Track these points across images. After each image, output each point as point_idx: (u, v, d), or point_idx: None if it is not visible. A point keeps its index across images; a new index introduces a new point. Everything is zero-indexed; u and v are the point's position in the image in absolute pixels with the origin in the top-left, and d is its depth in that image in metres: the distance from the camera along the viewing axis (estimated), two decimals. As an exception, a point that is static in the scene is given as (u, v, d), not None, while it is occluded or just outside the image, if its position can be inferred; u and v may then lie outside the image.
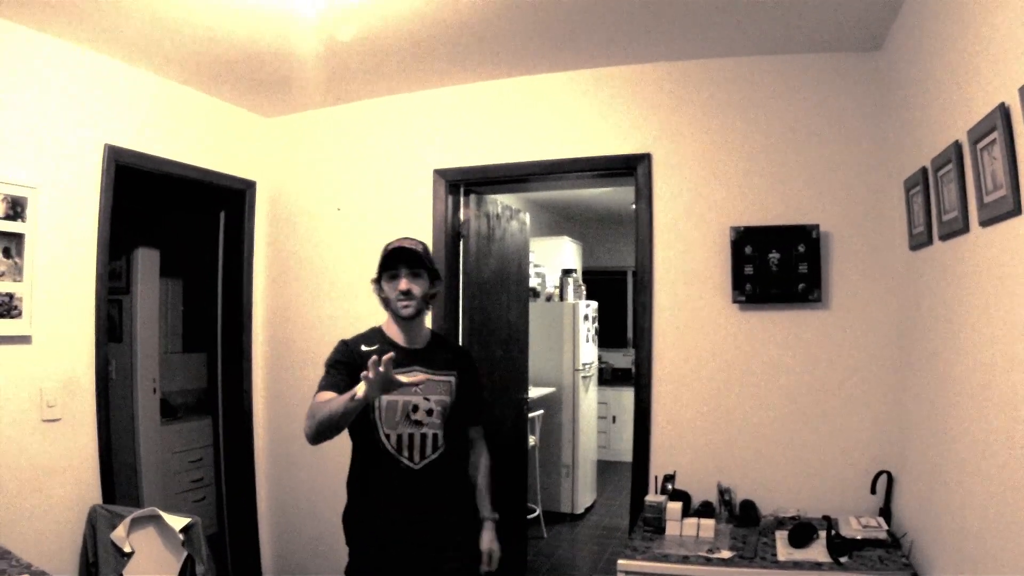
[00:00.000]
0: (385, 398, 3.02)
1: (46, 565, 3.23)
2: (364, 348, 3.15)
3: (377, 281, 3.23)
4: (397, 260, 3.15)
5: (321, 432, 2.83)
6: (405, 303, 3.12)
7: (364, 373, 2.54)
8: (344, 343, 3.24)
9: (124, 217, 4.52)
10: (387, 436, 3.08)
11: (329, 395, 2.91)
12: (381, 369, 2.51)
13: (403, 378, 2.72)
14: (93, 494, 4.05)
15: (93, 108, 4.13)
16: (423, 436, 3.10)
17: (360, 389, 2.62)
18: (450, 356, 3.36)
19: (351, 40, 4.04)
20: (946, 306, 3.00)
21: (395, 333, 3.25)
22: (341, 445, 3.13)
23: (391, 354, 2.56)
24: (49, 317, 3.86)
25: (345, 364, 3.09)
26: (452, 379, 3.25)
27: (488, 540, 3.28)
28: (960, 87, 2.72)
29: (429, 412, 3.12)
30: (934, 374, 3.20)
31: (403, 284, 3.11)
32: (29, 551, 3.49)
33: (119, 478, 4.66)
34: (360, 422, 3.02)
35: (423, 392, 3.11)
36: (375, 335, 3.27)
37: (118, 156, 4.22)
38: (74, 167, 4.02)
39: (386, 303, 3.21)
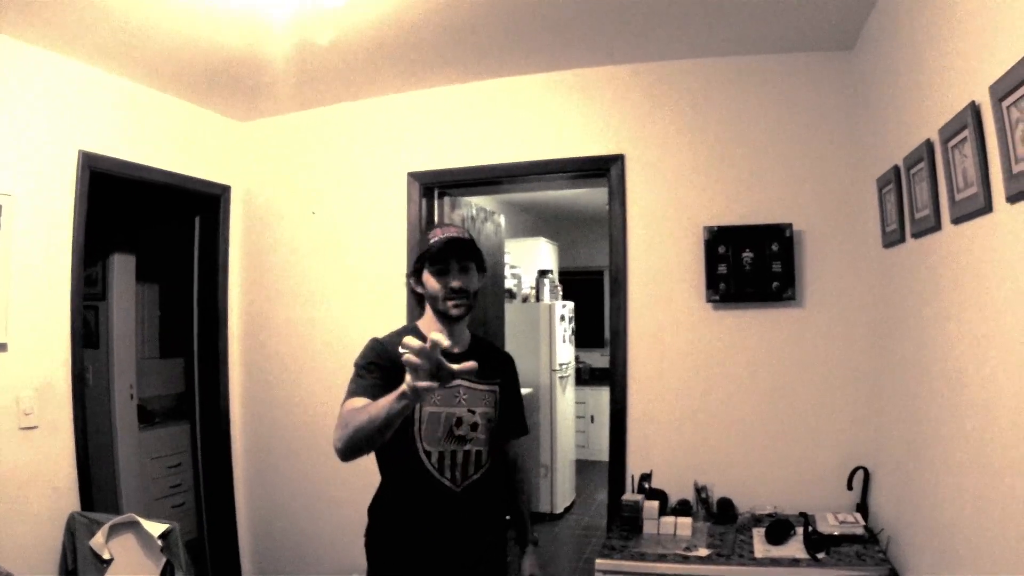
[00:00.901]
0: (427, 410, 2.65)
1: (25, 573, 3.22)
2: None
3: (414, 274, 2.82)
4: (448, 254, 2.71)
5: (356, 444, 2.31)
6: (456, 302, 2.72)
7: (406, 356, 1.94)
8: (378, 341, 2.74)
9: (100, 223, 4.51)
10: (427, 454, 2.66)
11: (363, 401, 2.38)
12: (430, 344, 1.92)
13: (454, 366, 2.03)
14: (71, 501, 4.03)
15: (67, 114, 4.11)
16: (466, 454, 2.72)
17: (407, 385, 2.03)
18: (495, 362, 2.97)
19: (324, 45, 4.04)
20: (919, 303, 3.03)
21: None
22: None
23: (445, 341, 1.96)
24: (25, 324, 3.84)
25: (380, 366, 2.61)
26: (496, 388, 2.90)
27: (530, 566, 3.05)
28: (931, 86, 2.75)
29: (474, 426, 2.74)
30: (909, 370, 3.23)
31: (456, 282, 2.70)
32: (8, 559, 3.48)
33: (97, 485, 4.64)
34: (395, 437, 2.47)
35: (467, 403, 2.75)
36: (412, 335, 2.54)
37: (93, 162, 4.20)
38: (49, 173, 4.00)
39: (420, 299, 2.85)
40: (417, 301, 2.90)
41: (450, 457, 2.68)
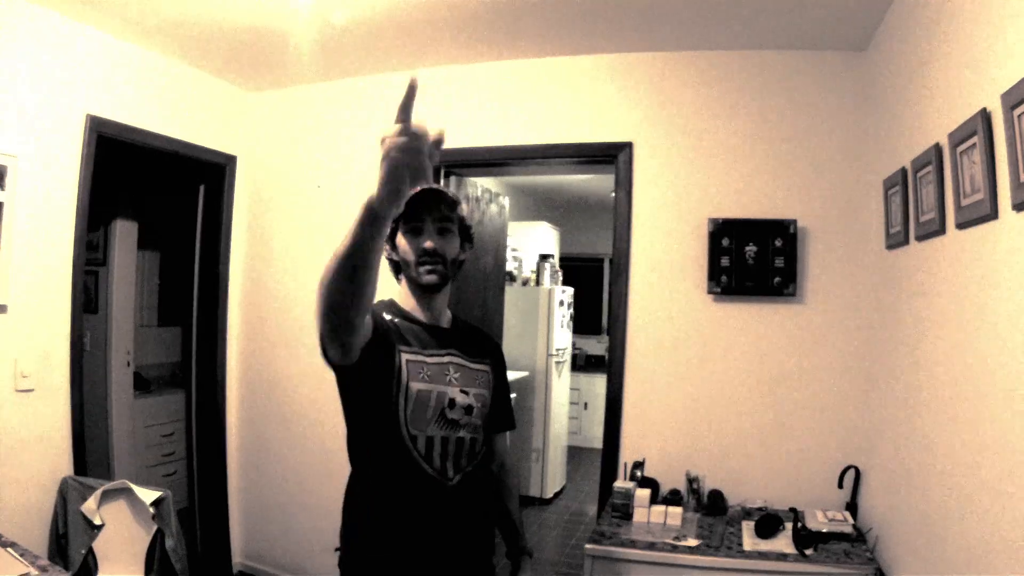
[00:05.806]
0: (414, 386, 2.27)
1: (16, 536, 3.22)
2: (387, 316, 2.38)
3: (390, 238, 2.43)
4: (422, 209, 2.35)
5: (331, 290, 1.92)
6: (429, 267, 2.36)
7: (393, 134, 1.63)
8: None
9: (103, 188, 4.50)
10: (413, 439, 2.24)
11: None
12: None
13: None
14: (65, 466, 4.05)
15: (76, 78, 4.09)
16: (459, 441, 2.33)
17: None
18: (481, 342, 2.64)
19: (339, 24, 4.03)
20: (919, 305, 3.04)
21: (414, 307, 2.46)
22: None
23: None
24: (25, 287, 3.85)
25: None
26: (488, 369, 2.57)
27: None
28: (943, 90, 2.75)
29: (468, 410, 2.36)
30: (905, 371, 3.23)
31: (429, 243, 2.35)
32: (-1, 521, 3.49)
33: (91, 450, 4.65)
34: (374, 417, 2.27)
35: (460, 383, 2.38)
36: (391, 308, 2.46)
37: (100, 127, 4.20)
38: (55, 137, 3.99)
39: (398, 268, 2.49)
40: (395, 271, 2.54)
41: (440, 444, 2.29)
